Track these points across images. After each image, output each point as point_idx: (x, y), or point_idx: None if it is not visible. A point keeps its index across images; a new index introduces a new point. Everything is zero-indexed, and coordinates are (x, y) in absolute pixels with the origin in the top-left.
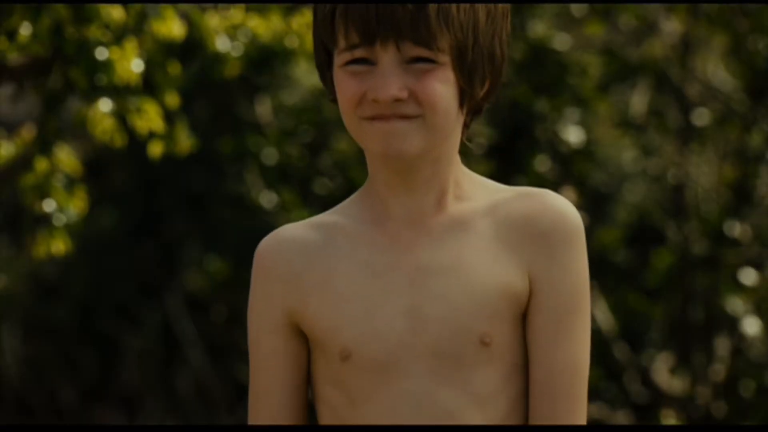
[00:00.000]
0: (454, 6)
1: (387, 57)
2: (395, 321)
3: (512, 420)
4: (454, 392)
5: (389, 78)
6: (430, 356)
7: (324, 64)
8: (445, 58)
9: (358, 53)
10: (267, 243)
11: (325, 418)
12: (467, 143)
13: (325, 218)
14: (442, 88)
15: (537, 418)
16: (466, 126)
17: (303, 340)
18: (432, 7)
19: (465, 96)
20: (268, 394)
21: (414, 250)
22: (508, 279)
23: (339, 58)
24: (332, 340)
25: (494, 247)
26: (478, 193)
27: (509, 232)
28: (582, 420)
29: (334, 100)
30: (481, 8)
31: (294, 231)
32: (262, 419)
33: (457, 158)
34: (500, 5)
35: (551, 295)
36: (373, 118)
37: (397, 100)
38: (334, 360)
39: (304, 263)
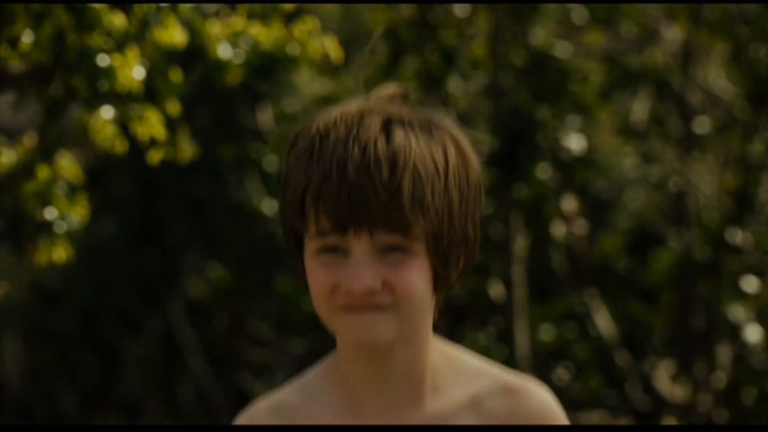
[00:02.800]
0: (428, 192)
1: (360, 246)
2: None
3: None
4: None
5: (363, 269)
6: None
7: (294, 247)
8: (419, 246)
9: (330, 241)
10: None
11: None
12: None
13: (289, 399)
14: (418, 278)
15: None
16: (437, 305)
17: None
18: (406, 195)
19: (439, 280)
20: None
21: None
22: None
23: (310, 244)
24: None
25: None
26: (456, 381)
27: None
28: None
29: (305, 282)
30: (454, 191)
31: (258, 415)
32: None
33: (431, 338)
34: (472, 184)
35: None
36: (346, 309)
37: (371, 292)
38: None
39: None
